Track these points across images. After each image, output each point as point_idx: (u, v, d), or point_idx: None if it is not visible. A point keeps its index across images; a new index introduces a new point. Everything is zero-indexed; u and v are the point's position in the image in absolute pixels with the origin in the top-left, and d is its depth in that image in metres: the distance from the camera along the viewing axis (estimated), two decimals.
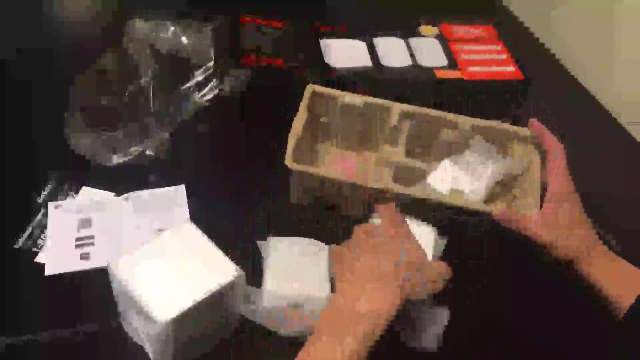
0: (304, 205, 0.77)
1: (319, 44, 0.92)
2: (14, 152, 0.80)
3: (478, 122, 0.78)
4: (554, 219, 0.66)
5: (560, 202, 0.67)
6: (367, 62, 0.91)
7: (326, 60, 0.90)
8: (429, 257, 0.63)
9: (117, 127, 0.80)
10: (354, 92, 0.81)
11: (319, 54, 0.91)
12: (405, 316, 0.61)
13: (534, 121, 0.74)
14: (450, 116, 0.79)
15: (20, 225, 0.71)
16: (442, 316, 0.62)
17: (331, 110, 0.81)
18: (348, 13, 1.11)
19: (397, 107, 0.79)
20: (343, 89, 0.81)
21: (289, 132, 0.75)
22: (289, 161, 0.72)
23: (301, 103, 0.78)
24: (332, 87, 0.82)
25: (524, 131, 0.77)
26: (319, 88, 0.80)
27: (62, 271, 0.67)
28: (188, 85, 0.86)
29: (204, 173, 0.81)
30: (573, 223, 0.67)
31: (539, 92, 0.93)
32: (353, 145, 0.84)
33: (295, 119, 0.77)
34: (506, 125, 0.78)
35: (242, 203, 0.78)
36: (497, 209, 0.69)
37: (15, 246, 0.69)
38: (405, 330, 0.63)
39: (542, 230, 0.66)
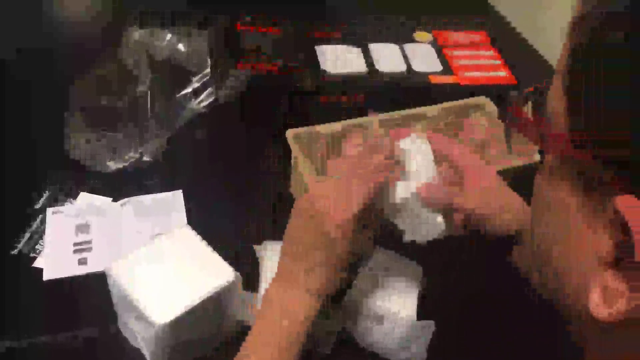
0: None
1: (314, 50, 0.93)
2: (13, 157, 0.80)
3: (443, 105, 0.81)
4: (478, 188, 0.61)
5: (479, 174, 0.62)
6: (362, 67, 0.92)
7: (321, 66, 0.90)
8: (414, 296, 0.63)
9: (117, 128, 0.81)
10: (349, 97, 0.82)
11: (314, 59, 0.92)
12: (391, 331, 0.61)
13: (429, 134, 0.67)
14: (420, 109, 0.80)
15: (18, 230, 0.72)
16: (428, 330, 0.61)
17: (313, 144, 0.77)
18: (347, 13, 1.12)
19: (375, 120, 0.79)
20: (343, 94, 0.82)
21: (286, 141, 0.75)
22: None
23: (292, 149, 0.75)
24: (329, 92, 0.83)
25: (481, 100, 0.82)
26: (298, 130, 0.76)
27: (60, 276, 0.67)
28: (185, 91, 0.87)
29: (201, 178, 0.82)
30: (501, 193, 0.62)
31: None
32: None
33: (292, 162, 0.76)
34: (464, 100, 0.83)
35: (239, 207, 0.78)
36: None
37: (13, 251, 0.70)
38: (391, 346, 0.62)
39: (470, 202, 0.60)
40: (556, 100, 0.34)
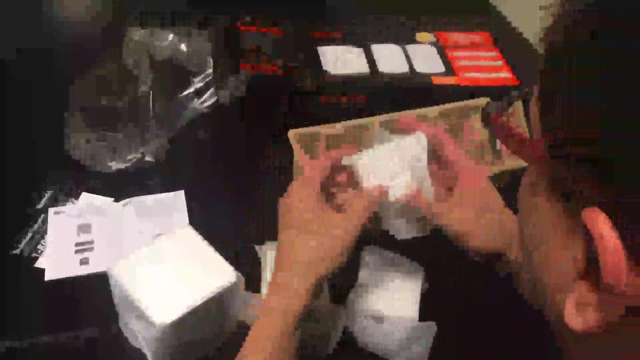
0: None
1: (316, 50, 0.93)
2: (14, 157, 0.81)
3: (445, 106, 0.81)
4: (460, 203, 0.59)
5: (468, 186, 0.60)
6: (364, 68, 0.92)
7: (323, 67, 0.90)
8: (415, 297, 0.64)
9: (117, 128, 0.81)
10: (350, 98, 0.82)
11: (315, 60, 0.92)
12: (391, 332, 0.61)
13: (403, 119, 0.66)
14: (420, 110, 0.80)
15: (20, 230, 0.72)
16: (429, 330, 0.61)
17: (315, 144, 0.78)
18: (347, 14, 1.12)
19: (376, 121, 0.79)
20: (343, 94, 0.82)
21: (287, 141, 0.75)
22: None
23: (293, 148, 0.75)
24: (329, 93, 0.83)
25: (481, 101, 0.81)
26: (300, 130, 0.76)
27: (61, 276, 0.68)
28: (187, 92, 0.87)
29: (202, 178, 0.82)
30: (485, 208, 0.59)
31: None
32: None
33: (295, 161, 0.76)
34: (464, 102, 0.82)
35: (240, 207, 0.78)
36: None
37: (15, 251, 0.70)
38: (392, 347, 0.62)
39: (449, 218, 0.58)
40: (533, 105, 0.34)
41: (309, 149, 0.75)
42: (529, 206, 0.37)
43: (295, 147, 0.74)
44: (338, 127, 0.77)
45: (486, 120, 0.44)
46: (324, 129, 0.76)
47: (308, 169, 0.61)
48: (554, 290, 0.33)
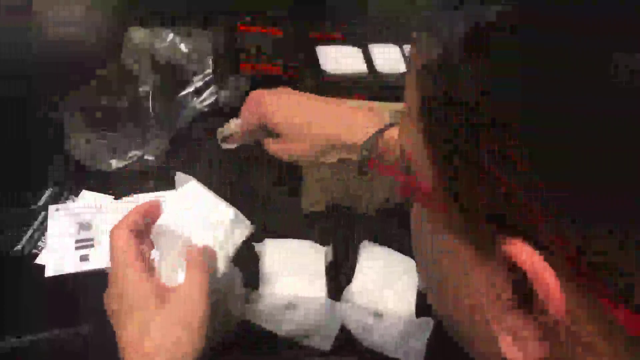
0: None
1: (316, 50, 0.94)
2: (14, 155, 0.81)
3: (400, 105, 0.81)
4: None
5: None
6: (362, 68, 0.92)
7: (322, 67, 0.91)
8: (412, 293, 0.63)
9: (118, 128, 0.81)
10: (349, 98, 0.83)
11: (314, 60, 0.92)
12: (389, 328, 0.62)
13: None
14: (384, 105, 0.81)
15: (21, 227, 0.72)
16: (427, 326, 0.61)
17: None
18: (347, 14, 1.13)
19: (385, 107, 0.80)
20: (343, 94, 0.82)
21: None
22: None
23: None
24: (327, 93, 0.83)
25: None
26: None
27: (62, 273, 0.68)
28: (187, 91, 0.87)
29: (202, 178, 0.82)
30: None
31: None
32: None
33: None
34: None
35: (241, 207, 0.79)
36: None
37: (16, 248, 0.70)
38: (390, 343, 0.63)
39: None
40: (406, 131, 0.32)
41: None
42: (425, 245, 0.34)
43: None
44: None
45: (362, 168, 0.41)
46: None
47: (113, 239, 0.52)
48: (475, 325, 0.31)
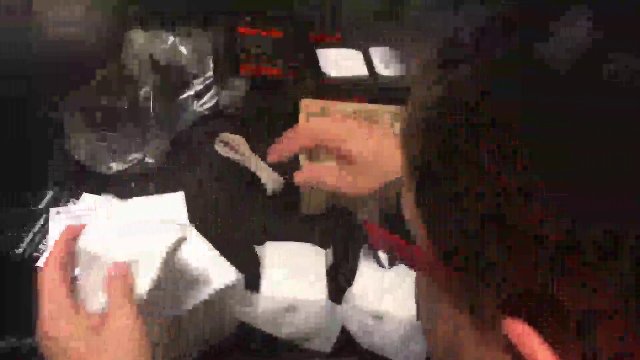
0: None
1: (316, 52, 0.94)
2: (15, 158, 0.81)
3: (358, 105, 0.82)
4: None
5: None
6: (362, 71, 0.93)
7: (322, 69, 0.91)
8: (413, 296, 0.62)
9: (118, 129, 0.81)
10: (349, 100, 0.83)
11: (314, 62, 0.92)
12: (390, 331, 0.62)
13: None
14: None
15: (22, 230, 0.73)
16: None
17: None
18: (347, 15, 1.12)
19: (386, 110, 0.80)
20: (338, 97, 0.83)
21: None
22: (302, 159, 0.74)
23: (299, 116, 0.79)
24: (327, 95, 0.84)
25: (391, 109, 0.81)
26: (312, 101, 0.80)
27: None
28: (187, 94, 0.87)
29: (202, 180, 0.82)
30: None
31: None
32: None
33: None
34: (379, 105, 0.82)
35: (240, 208, 0.79)
36: None
37: (17, 251, 0.70)
38: (390, 346, 0.63)
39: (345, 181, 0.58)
40: (407, 199, 0.31)
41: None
42: (429, 311, 0.34)
43: (301, 117, 0.76)
44: (348, 109, 0.79)
45: (366, 226, 0.38)
46: (335, 106, 0.79)
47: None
48: None
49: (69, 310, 0.47)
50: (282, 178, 0.79)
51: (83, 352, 0.45)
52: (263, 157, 0.81)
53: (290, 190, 0.79)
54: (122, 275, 0.48)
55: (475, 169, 0.25)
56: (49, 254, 0.51)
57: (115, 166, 0.80)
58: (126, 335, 0.45)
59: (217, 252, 0.62)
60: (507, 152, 0.25)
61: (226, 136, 0.83)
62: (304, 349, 0.64)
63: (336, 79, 0.91)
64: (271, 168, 0.79)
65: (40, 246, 0.71)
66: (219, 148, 0.84)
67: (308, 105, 0.79)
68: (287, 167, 0.77)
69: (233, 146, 0.83)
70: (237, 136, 0.83)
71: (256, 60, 0.90)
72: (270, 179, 0.78)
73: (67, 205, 0.76)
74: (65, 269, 0.50)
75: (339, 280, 0.69)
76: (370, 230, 0.36)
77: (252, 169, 0.80)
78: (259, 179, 0.80)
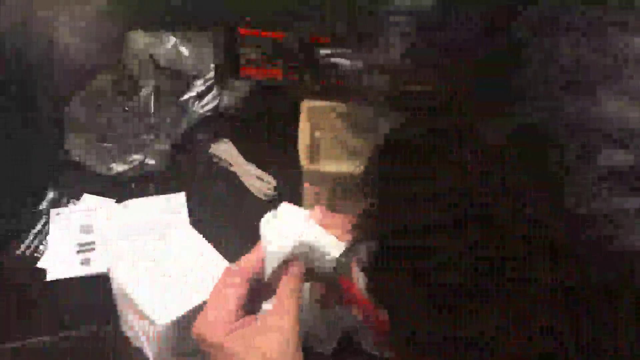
0: None
1: (316, 53, 0.94)
2: (16, 159, 0.81)
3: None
4: None
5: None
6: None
7: (322, 70, 0.91)
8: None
9: (119, 131, 0.81)
10: (348, 101, 0.83)
11: (315, 62, 0.92)
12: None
13: None
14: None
15: (22, 231, 0.73)
16: None
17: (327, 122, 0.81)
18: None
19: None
20: (338, 98, 0.83)
21: (289, 142, 0.76)
22: (303, 161, 0.73)
23: (300, 117, 0.78)
24: (329, 96, 0.83)
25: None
26: (314, 103, 0.80)
27: (63, 276, 0.68)
28: (188, 95, 0.87)
29: (203, 181, 0.82)
30: None
31: None
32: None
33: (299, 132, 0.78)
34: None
35: (241, 209, 0.79)
36: None
37: (17, 252, 0.70)
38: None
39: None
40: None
41: (316, 124, 0.77)
42: None
43: (303, 123, 0.75)
44: (348, 109, 0.78)
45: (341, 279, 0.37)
46: (339, 108, 0.77)
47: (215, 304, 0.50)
48: None
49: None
50: (272, 184, 0.79)
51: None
52: (263, 158, 0.81)
53: (290, 192, 0.79)
54: (297, 275, 0.49)
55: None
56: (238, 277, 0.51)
57: (116, 167, 0.80)
58: (285, 337, 0.47)
59: (217, 253, 0.62)
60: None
61: (216, 148, 0.83)
62: (305, 350, 0.64)
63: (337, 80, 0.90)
64: (261, 172, 0.79)
65: (41, 247, 0.71)
66: (214, 155, 0.83)
67: (309, 106, 0.79)
68: (284, 168, 0.77)
69: (223, 156, 0.82)
70: (225, 145, 0.83)
71: (257, 61, 0.90)
72: (256, 187, 0.78)
73: (67, 206, 0.76)
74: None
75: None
76: (345, 284, 0.33)
77: (241, 177, 0.80)
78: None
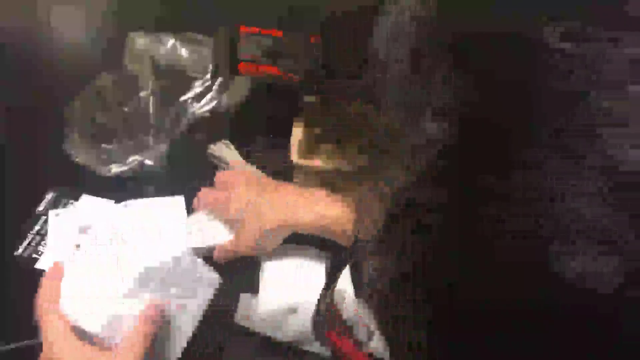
0: None
1: (315, 52, 0.94)
2: (15, 160, 0.81)
3: None
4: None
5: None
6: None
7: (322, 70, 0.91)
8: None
9: (118, 132, 0.81)
10: (348, 102, 0.83)
11: (315, 63, 0.92)
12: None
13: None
14: None
15: (21, 232, 0.72)
16: None
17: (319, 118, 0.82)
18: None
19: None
20: (338, 98, 0.82)
21: (288, 143, 0.76)
22: (294, 156, 0.73)
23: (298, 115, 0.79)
24: (328, 96, 0.83)
25: None
26: (313, 102, 0.80)
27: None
28: (188, 96, 0.87)
29: (202, 183, 0.82)
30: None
31: None
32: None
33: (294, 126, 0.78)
34: None
35: None
36: None
37: (16, 253, 0.70)
38: None
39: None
40: None
41: (309, 121, 0.78)
42: None
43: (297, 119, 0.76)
44: (347, 110, 0.78)
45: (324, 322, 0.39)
46: (335, 107, 0.79)
47: None
48: None
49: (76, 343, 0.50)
50: None
51: None
52: (262, 158, 0.81)
53: None
54: (151, 319, 0.52)
55: None
56: (46, 294, 0.53)
57: (115, 168, 0.80)
58: None
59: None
60: None
61: (215, 149, 0.83)
62: (303, 351, 0.64)
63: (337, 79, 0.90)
64: (260, 172, 0.79)
65: (40, 248, 0.71)
66: (213, 155, 0.83)
67: (304, 102, 0.79)
68: (281, 168, 0.77)
69: (222, 157, 0.82)
70: (225, 146, 0.83)
71: (257, 61, 0.89)
72: None
73: (66, 207, 0.76)
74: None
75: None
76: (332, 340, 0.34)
77: None
78: None
